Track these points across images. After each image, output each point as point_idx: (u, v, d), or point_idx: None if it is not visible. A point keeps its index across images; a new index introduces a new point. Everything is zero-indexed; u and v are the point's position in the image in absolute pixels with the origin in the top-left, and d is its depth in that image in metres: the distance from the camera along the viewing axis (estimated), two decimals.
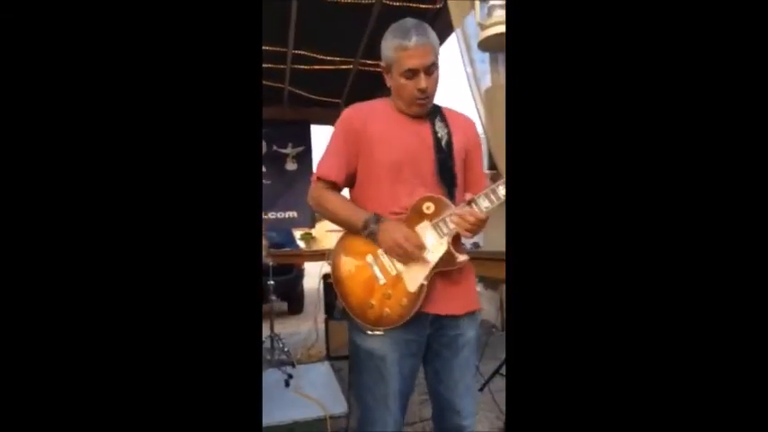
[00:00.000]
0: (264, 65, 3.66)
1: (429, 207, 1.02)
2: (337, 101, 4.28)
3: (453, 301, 1.08)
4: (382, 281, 1.03)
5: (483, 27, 1.53)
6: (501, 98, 1.79)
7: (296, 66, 3.79)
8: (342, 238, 1.11)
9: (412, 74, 1.01)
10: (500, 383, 2.39)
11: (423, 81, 1.01)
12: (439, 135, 1.08)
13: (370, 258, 1.05)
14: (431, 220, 1.02)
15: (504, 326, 4.02)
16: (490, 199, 0.99)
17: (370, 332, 1.04)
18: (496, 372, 2.44)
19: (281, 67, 3.76)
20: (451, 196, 1.06)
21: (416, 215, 1.03)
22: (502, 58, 1.80)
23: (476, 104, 1.56)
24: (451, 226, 1.00)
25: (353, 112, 1.11)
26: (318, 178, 1.11)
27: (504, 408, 2.05)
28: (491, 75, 1.80)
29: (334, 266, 1.10)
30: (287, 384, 2.59)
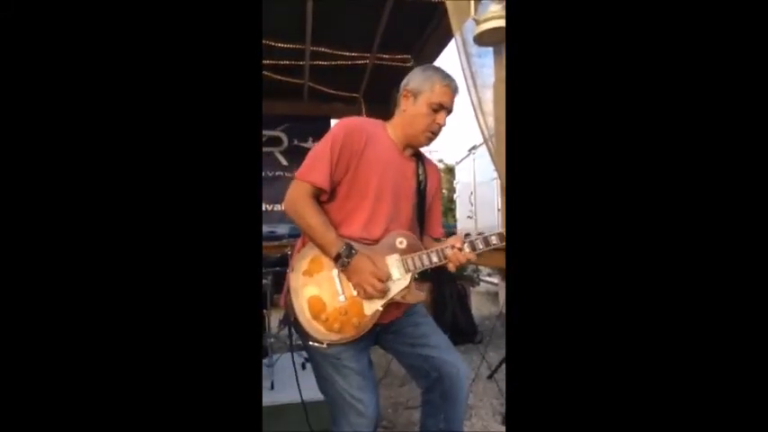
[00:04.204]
0: (283, 62, 3.78)
1: (402, 242, 1.09)
2: (355, 95, 4.36)
3: (396, 312, 1.15)
4: (342, 298, 1.05)
5: (478, 22, 1.56)
6: (501, 92, 1.81)
7: (314, 62, 3.89)
8: (309, 247, 1.09)
9: (439, 107, 1.10)
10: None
11: (444, 118, 1.11)
12: (420, 178, 1.16)
13: (335, 273, 1.06)
14: (401, 255, 1.08)
15: None
16: (485, 243, 1.10)
17: (313, 343, 1.04)
18: (503, 361, 2.48)
19: (301, 63, 3.86)
20: (420, 236, 1.15)
21: (388, 247, 1.09)
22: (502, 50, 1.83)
23: (471, 98, 1.60)
24: (419, 264, 1.08)
25: (357, 127, 1.08)
26: (303, 181, 1.06)
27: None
28: (495, 69, 1.83)
29: (297, 273, 1.09)
30: (303, 367, 2.72)
